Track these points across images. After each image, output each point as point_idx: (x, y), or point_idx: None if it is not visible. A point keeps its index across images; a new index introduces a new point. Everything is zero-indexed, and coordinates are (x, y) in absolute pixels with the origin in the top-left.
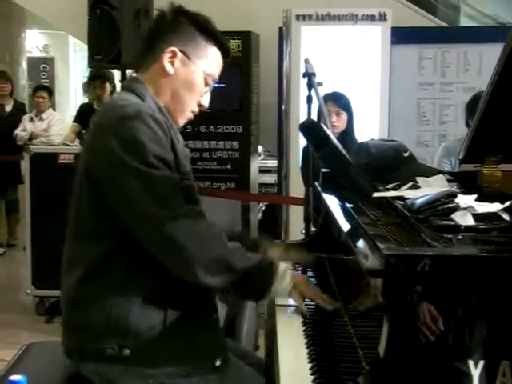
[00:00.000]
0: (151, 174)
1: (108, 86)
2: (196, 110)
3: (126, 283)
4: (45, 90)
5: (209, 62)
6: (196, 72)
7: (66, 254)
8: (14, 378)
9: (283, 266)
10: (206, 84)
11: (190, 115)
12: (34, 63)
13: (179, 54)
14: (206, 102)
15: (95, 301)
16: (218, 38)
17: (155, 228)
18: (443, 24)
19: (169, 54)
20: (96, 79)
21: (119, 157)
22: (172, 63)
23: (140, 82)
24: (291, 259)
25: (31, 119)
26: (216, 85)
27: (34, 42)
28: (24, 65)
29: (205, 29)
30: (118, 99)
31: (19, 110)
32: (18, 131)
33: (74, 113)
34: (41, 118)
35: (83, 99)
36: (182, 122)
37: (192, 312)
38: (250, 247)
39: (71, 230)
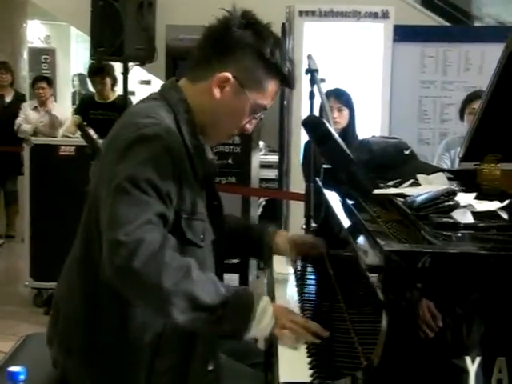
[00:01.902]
0: (137, 197)
1: (108, 80)
2: (236, 133)
3: (122, 310)
4: (44, 80)
5: (262, 93)
6: (245, 102)
7: (69, 261)
8: (12, 369)
9: (264, 302)
10: (254, 112)
11: (227, 138)
12: (36, 54)
13: (232, 81)
14: (250, 128)
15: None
16: (281, 71)
17: (117, 252)
18: (445, 23)
19: (221, 78)
20: (95, 75)
21: (116, 174)
22: (222, 88)
23: (178, 92)
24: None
25: (35, 108)
26: None
27: (35, 33)
28: (25, 55)
29: (268, 61)
30: (146, 111)
31: (19, 101)
32: (20, 121)
33: (74, 104)
34: (46, 111)
35: (78, 90)
36: (213, 142)
37: None
38: (256, 236)
39: (79, 241)
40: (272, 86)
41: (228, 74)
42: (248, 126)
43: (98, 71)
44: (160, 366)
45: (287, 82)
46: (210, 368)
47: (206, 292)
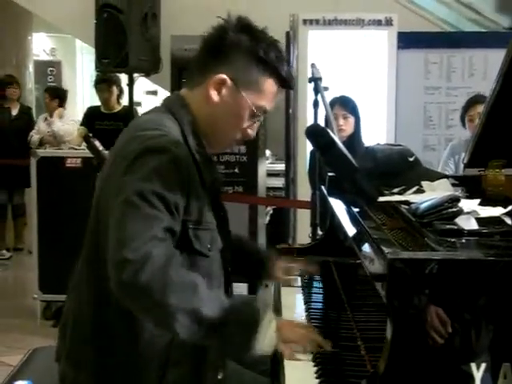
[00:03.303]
0: (144, 210)
1: (115, 90)
2: (239, 138)
3: (131, 324)
4: (47, 92)
5: (261, 95)
6: (243, 104)
7: (77, 275)
8: (19, 383)
9: (267, 318)
10: (254, 115)
11: (231, 144)
12: (41, 66)
13: (229, 83)
14: (252, 133)
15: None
16: (277, 71)
17: (123, 269)
18: (449, 29)
19: (217, 80)
20: (101, 83)
21: (123, 187)
22: (219, 91)
23: (182, 103)
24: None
25: (45, 119)
26: None
27: (40, 46)
28: (31, 68)
29: (264, 61)
30: (152, 124)
31: (25, 114)
32: (33, 133)
33: (80, 116)
34: (48, 124)
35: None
36: (219, 149)
37: None
38: (255, 260)
39: (86, 255)
40: (269, 85)
41: (224, 76)
42: (250, 131)
43: (104, 80)
44: (171, 376)
45: (284, 81)
46: (220, 377)
47: (211, 309)
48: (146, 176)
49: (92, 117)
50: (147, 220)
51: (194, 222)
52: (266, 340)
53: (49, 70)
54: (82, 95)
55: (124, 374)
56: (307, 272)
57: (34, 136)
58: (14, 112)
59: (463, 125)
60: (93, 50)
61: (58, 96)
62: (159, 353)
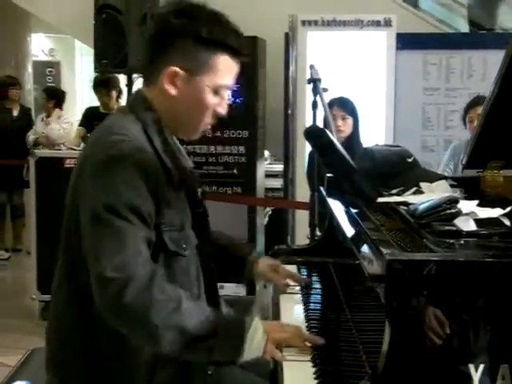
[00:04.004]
0: (117, 227)
1: (114, 93)
2: (212, 121)
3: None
4: (44, 92)
5: (217, 73)
6: (202, 89)
7: (55, 286)
8: (18, 383)
9: (254, 324)
10: (218, 94)
11: (206, 126)
12: (40, 67)
13: (181, 73)
14: (222, 110)
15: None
16: (225, 44)
17: (106, 289)
18: (447, 30)
19: (169, 74)
20: (99, 87)
21: (92, 203)
22: (174, 84)
23: (145, 101)
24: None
25: (42, 120)
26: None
27: (39, 46)
28: (30, 69)
29: (208, 40)
30: (113, 129)
31: (26, 115)
32: (30, 133)
33: (79, 116)
34: (44, 124)
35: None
36: (196, 135)
37: None
38: (237, 261)
39: (62, 263)
40: (223, 62)
41: (174, 68)
42: (219, 109)
43: (103, 83)
44: (160, 377)
45: (236, 52)
46: (210, 372)
47: (195, 325)
48: (114, 188)
49: (91, 117)
50: (123, 236)
51: (167, 225)
52: (253, 347)
53: (48, 71)
54: (81, 95)
55: (111, 380)
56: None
57: (31, 136)
58: (15, 113)
59: (465, 126)
60: (92, 51)
61: (54, 97)
62: (147, 357)
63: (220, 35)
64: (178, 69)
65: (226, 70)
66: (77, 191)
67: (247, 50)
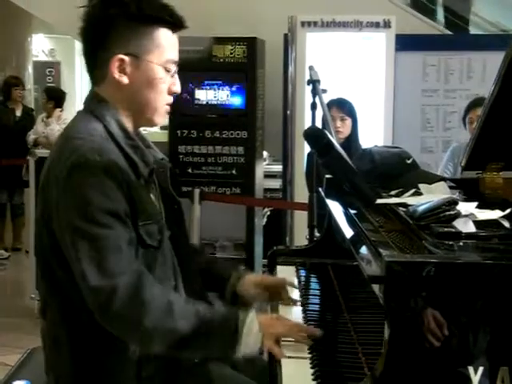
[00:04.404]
0: (95, 234)
1: None
2: (170, 100)
3: (99, 328)
4: (44, 92)
5: (161, 49)
6: (152, 69)
7: (39, 289)
8: (17, 383)
9: (249, 319)
10: (169, 71)
11: (167, 108)
12: (40, 67)
13: (127, 59)
14: (177, 87)
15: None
16: (160, 19)
17: (95, 299)
18: (447, 31)
19: (116, 64)
20: None
21: (66, 214)
22: (123, 72)
23: (100, 99)
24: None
25: (42, 120)
26: (222, 88)
27: (40, 47)
28: (30, 69)
29: (141, 17)
30: (74, 132)
31: (28, 115)
32: (30, 133)
33: None
34: (44, 125)
35: None
36: (161, 120)
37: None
38: (218, 281)
39: (42, 274)
40: (163, 36)
41: (119, 56)
42: (173, 87)
43: None
44: (147, 371)
45: (173, 23)
46: (196, 360)
47: (187, 325)
48: (85, 196)
49: None
50: (104, 243)
51: (141, 219)
52: (250, 341)
53: (48, 71)
54: (81, 96)
55: (100, 377)
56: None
57: (31, 136)
58: (18, 113)
59: (465, 127)
60: None
61: (54, 97)
62: (133, 353)
63: (151, 10)
64: (123, 56)
65: (167, 44)
66: (46, 204)
67: (183, 23)
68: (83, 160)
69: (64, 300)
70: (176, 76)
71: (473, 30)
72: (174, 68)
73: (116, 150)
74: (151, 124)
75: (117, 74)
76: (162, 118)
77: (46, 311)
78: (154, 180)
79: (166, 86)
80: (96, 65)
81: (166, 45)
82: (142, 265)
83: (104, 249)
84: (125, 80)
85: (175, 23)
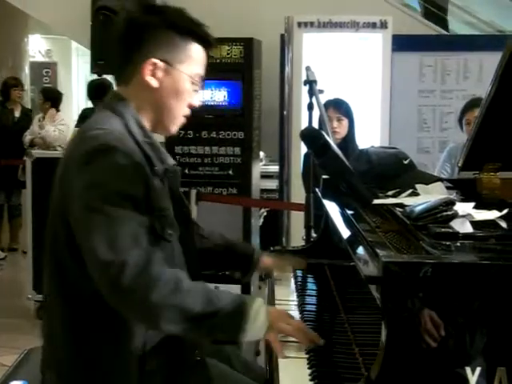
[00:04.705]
0: (108, 213)
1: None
2: (188, 112)
3: (104, 320)
4: (41, 93)
5: (192, 62)
6: (181, 78)
7: (45, 286)
8: (14, 383)
9: (257, 304)
10: (194, 85)
11: (183, 120)
12: (37, 68)
13: (160, 64)
14: (196, 101)
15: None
16: (196, 33)
17: (104, 274)
18: (443, 32)
19: (150, 67)
20: (93, 98)
21: (82, 196)
22: (154, 75)
23: (121, 98)
24: (284, 265)
25: (39, 121)
26: (218, 88)
27: (36, 47)
28: (27, 69)
29: (180, 27)
30: (93, 124)
31: (26, 116)
32: (26, 133)
33: (76, 117)
34: (39, 126)
35: (86, 103)
36: (174, 129)
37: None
38: (243, 258)
39: (49, 264)
40: (195, 50)
41: (153, 60)
42: (194, 100)
43: (96, 95)
44: (150, 366)
45: (207, 41)
46: (198, 358)
47: (196, 303)
48: (102, 176)
49: (87, 119)
50: (117, 222)
51: (155, 209)
52: (256, 326)
53: (44, 72)
54: (77, 96)
55: (101, 373)
56: (295, 266)
57: (27, 136)
58: (17, 113)
59: (461, 128)
60: (88, 52)
61: (50, 98)
62: (136, 347)
63: (190, 24)
64: (157, 60)
65: (199, 59)
66: (63, 189)
67: (216, 45)
68: (104, 145)
69: (73, 297)
70: (199, 91)
71: (469, 31)
72: (199, 83)
73: (134, 146)
74: (166, 131)
75: (148, 77)
76: (176, 129)
77: (49, 308)
78: (167, 181)
79: (189, 97)
80: (127, 65)
81: (196, 59)
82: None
83: (116, 226)
84: (154, 83)
85: (208, 41)
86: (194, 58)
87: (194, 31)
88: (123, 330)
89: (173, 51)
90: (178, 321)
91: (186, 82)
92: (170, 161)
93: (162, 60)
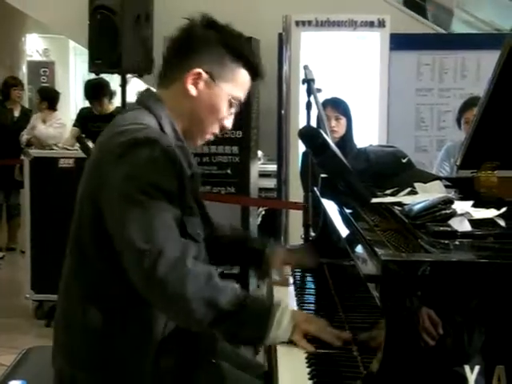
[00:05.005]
0: (145, 203)
1: (105, 99)
2: (217, 131)
3: (122, 314)
4: (38, 92)
5: (235, 84)
6: (220, 95)
7: (64, 273)
8: (13, 383)
9: (281, 308)
10: (230, 106)
11: (210, 137)
12: (34, 67)
13: (204, 76)
14: (229, 124)
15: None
16: (248, 60)
17: (139, 262)
18: (441, 30)
19: (193, 76)
20: (90, 98)
21: (120, 186)
22: (196, 85)
23: (157, 99)
24: (293, 262)
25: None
26: None
27: (34, 46)
28: (24, 69)
29: (235, 49)
30: (131, 119)
31: (26, 116)
32: (23, 132)
33: (73, 117)
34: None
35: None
36: (199, 143)
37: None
38: (255, 253)
39: (71, 251)
40: (242, 75)
41: (199, 70)
42: (226, 122)
43: (93, 95)
44: (165, 363)
45: (256, 71)
46: (214, 360)
47: (226, 298)
48: (140, 168)
49: (85, 118)
50: (153, 212)
51: (187, 208)
52: (280, 329)
53: (42, 71)
54: (75, 95)
55: (117, 366)
56: (304, 265)
57: (24, 136)
58: (16, 113)
59: (459, 127)
60: (86, 51)
61: (47, 98)
62: (152, 343)
63: (245, 50)
64: (202, 71)
65: (243, 84)
66: (97, 179)
67: (263, 77)
68: (147, 137)
69: (94, 285)
70: (232, 115)
71: (467, 29)
72: (236, 106)
73: (171, 143)
74: (191, 142)
75: (189, 85)
76: (200, 143)
77: (68, 295)
78: (192, 185)
79: (222, 116)
80: (173, 70)
81: (240, 83)
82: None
83: (153, 218)
84: (193, 92)
85: (257, 73)
86: (239, 81)
87: (247, 58)
88: (141, 325)
89: (220, 68)
90: (209, 315)
91: (223, 100)
92: (196, 167)
93: (207, 72)
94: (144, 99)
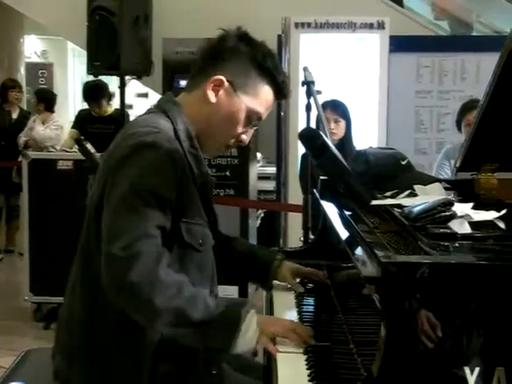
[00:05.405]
0: (136, 208)
1: (103, 101)
2: (232, 144)
3: (121, 318)
4: (35, 94)
5: (257, 99)
6: (239, 106)
7: (72, 275)
8: None
9: (248, 317)
10: (249, 120)
11: (224, 149)
12: (33, 69)
13: (226, 84)
14: (246, 138)
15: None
16: (274, 78)
17: (113, 269)
18: (440, 33)
19: (215, 82)
20: (88, 100)
21: (120, 184)
22: (216, 91)
23: (175, 103)
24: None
25: (34, 122)
26: None
27: (32, 48)
28: (22, 70)
29: (261, 65)
30: (145, 122)
31: (24, 118)
32: (21, 134)
33: (72, 118)
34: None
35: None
36: (212, 152)
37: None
38: (261, 268)
39: (79, 255)
40: (265, 92)
41: (221, 77)
42: (244, 136)
43: (92, 97)
44: (163, 369)
45: (280, 90)
46: (214, 371)
47: (194, 309)
48: (141, 172)
49: (84, 120)
50: (139, 217)
51: (186, 217)
52: (246, 338)
53: (40, 73)
54: (74, 97)
55: (115, 367)
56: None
57: (22, 138)
58: (15, 115)
59: (459, 129)
60: (84, 53)
61: (44, 99)
62: (151, 347)
63: (273, 69)
64: (224, 78)
65: (265, 100)
66: (102, 184)
67: (287, 97)
68: (153, 141)
69: (96, 288)
70: (251, 130)
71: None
72: (254, 121)
73: (180, 148)
74: (204, 149)
75: (209, 90)
76: (213, 154)
77: (73, 295)
78: (203, 193)
79: (238, 129)
80: (199, 75)
81: (263, 99)
82: (176, 263)
83: (136, 222)
84: (212, 98)
85: (282, 92)
86: (261, 97)
87: (273, 75)
88: (139, 329)
89: (244, 80)
90: (174, 324)
91: (241, 111)
92: (209, 176)
93: (228, 81)
94: (162, 103)
